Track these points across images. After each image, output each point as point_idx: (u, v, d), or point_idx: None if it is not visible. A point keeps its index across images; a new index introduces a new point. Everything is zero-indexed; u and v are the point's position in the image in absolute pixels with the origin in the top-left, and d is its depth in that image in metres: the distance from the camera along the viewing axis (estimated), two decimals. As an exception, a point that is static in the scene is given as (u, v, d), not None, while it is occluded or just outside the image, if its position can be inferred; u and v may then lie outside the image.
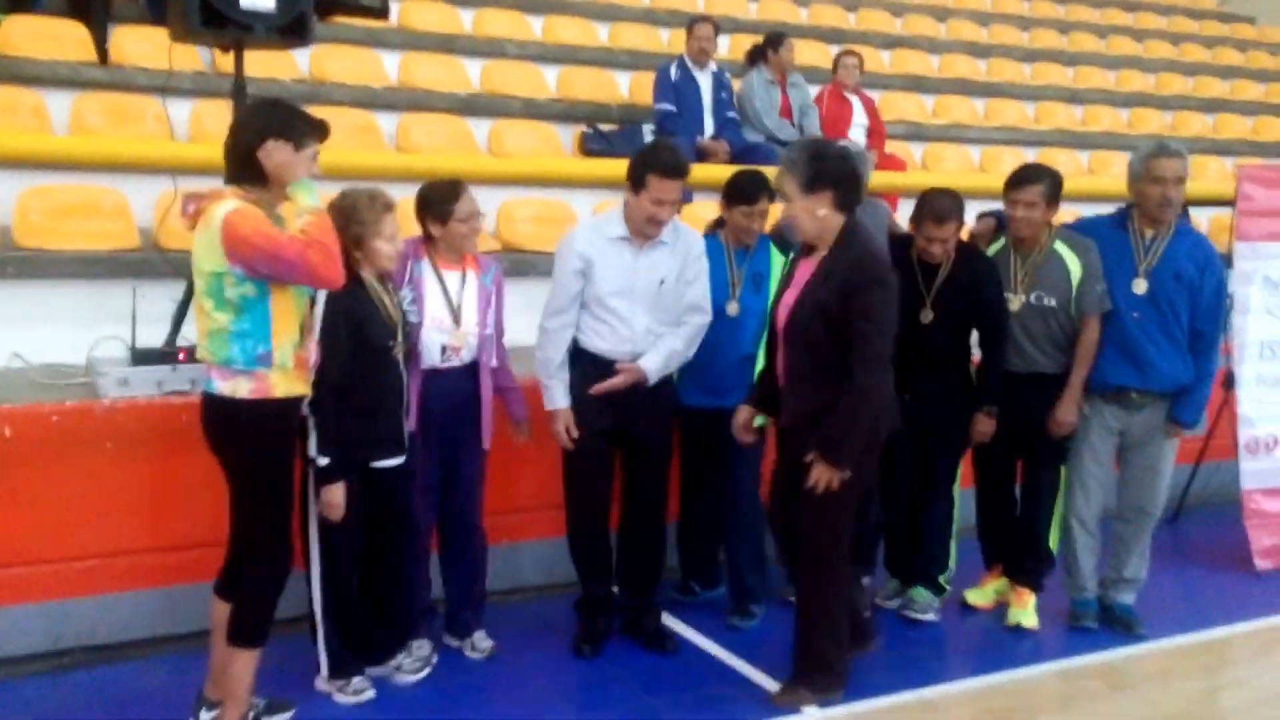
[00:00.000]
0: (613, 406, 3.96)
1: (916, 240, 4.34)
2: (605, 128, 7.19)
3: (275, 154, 3.03)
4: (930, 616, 4.55)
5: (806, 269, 3.66)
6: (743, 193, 4.25)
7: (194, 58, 6.41)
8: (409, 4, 8.12)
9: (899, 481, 4.56)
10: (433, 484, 3.81)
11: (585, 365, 3.96)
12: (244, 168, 3.07)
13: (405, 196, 3.85)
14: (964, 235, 4.51)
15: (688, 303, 4.04)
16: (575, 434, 3.94)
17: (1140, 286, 4.30)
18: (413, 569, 3.77)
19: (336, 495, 3.31)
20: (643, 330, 3.96)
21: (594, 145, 6.95)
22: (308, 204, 3.05)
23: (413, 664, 3.72)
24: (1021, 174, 4.39)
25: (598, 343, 3.96)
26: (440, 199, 3.73)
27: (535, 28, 8.60)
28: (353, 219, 3.40)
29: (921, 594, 4.59)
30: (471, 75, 7.62)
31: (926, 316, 4.32)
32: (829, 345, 3.52)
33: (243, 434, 3.08)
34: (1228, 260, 5.16)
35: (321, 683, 3.58)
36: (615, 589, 4.25)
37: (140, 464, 3.81)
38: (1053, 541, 4.62)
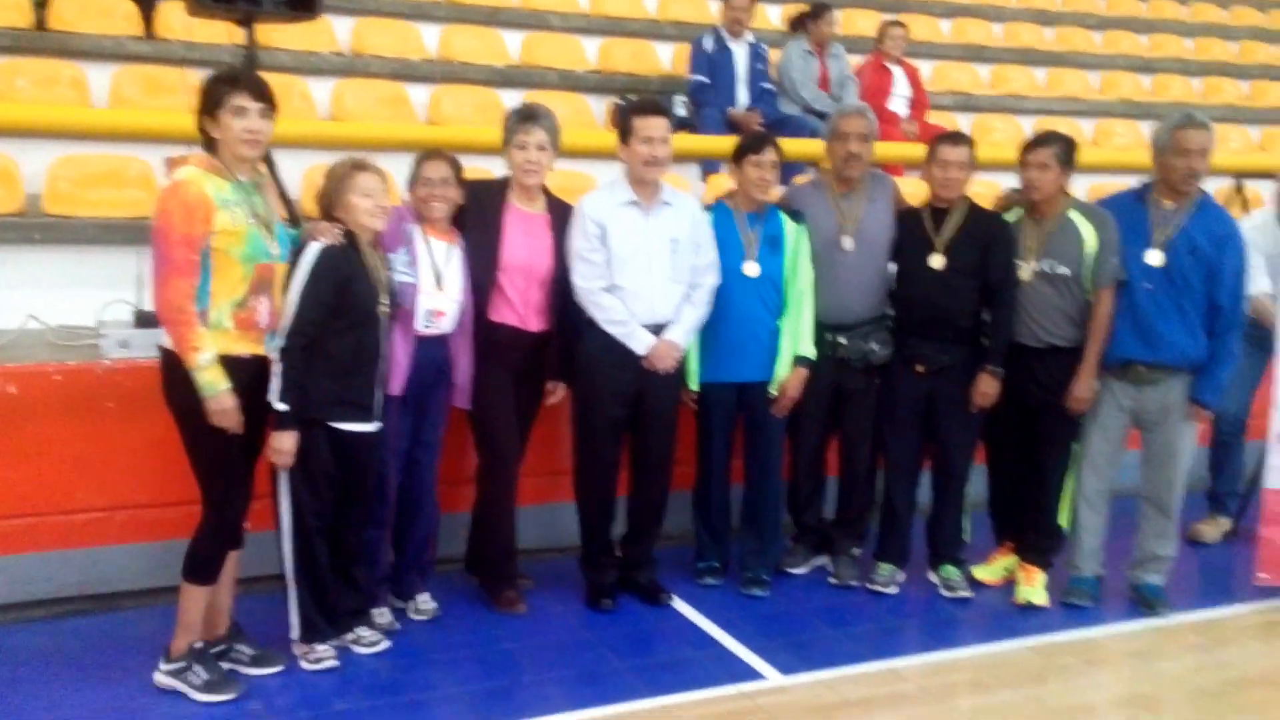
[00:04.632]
0: (636, 374, 4.06)
1: (930, 178, 4.33)
2: (634, 98, 7.15)
3: (208, 128, 3.25)
4: (893, 590, 4.50)
5: None
6: (749, 144, 4.30)
7: (236, 32, 6.58)
8: (455, -24, 8.18)
9: (914, 460, 4.53)
10: (403, 450, 3.88)
11: (602, 336, 4.03)
12: (202, 136, 3.29)
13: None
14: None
15: (700, 264, 4.13)
16: (678, 355, 4.10)
17: (1154, 258, 4.16)
18: (375, 535, 3.85)
19: (286, 442, 3.38)
20: (660, 292, 4.04)
21: (622, 117, 6.90)
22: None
23: (371, 635, 3.78)
24: (1036, 139, 4.35)
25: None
26: (415, 166, 3.82)
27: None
28: (329, 181, 3.55)
29: (952, 572, 4.52)
30: (511, 48, 7.66)
31: (937, 262, 4.25)
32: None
33: (174, 385, 3.22)
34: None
35: (293, 645, 3.65)
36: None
37: (140, 423, 3.94)
38: (1063, 519, 4.50)
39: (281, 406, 3.34)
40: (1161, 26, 10.99)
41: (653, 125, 4.01)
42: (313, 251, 3.41)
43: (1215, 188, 7.45)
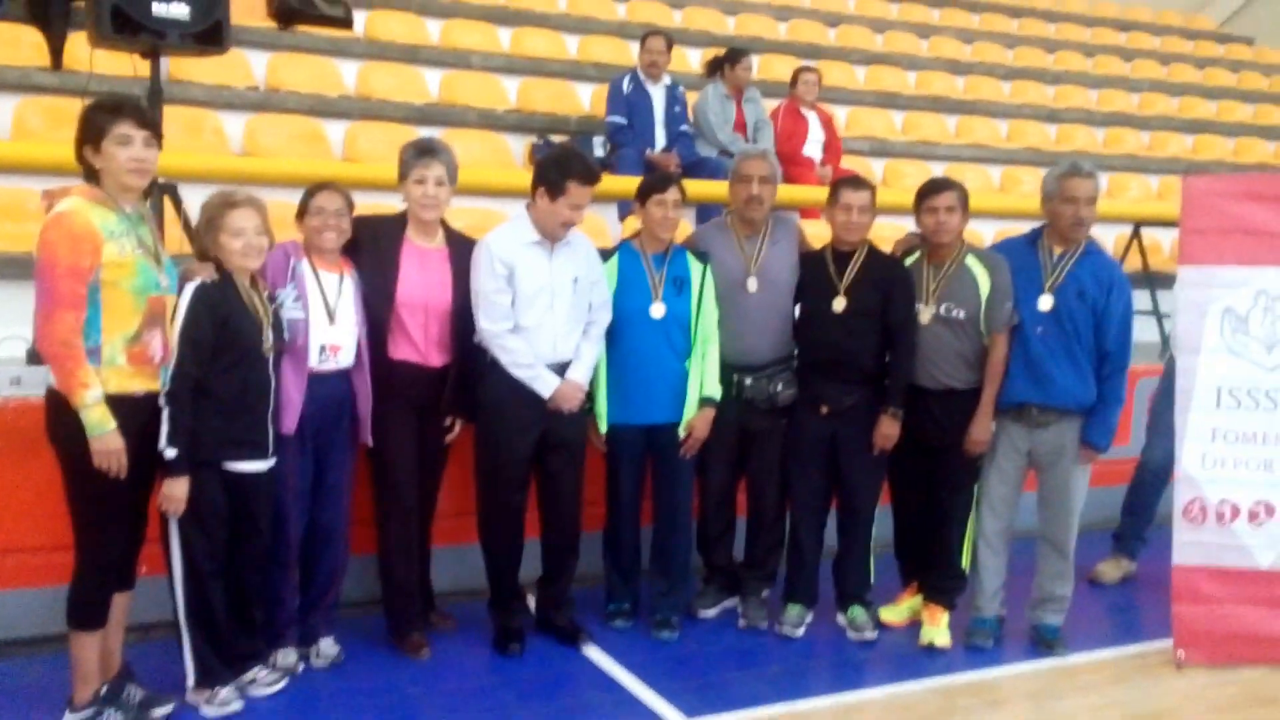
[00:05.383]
0: (540, 415, 4.06)
1: (832, 221, 4.41)
2: (556, 139, 7.21)
3: (91, 158, 3.20)
4: (800, 631, 4.52)
5: None
6: (653, 184, 4.36)
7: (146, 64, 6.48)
8: (375, 14, 8.19)
9: (820, 501, 4.58)
10: (305, 489, 3.82)
11: (507, 378, 4.03)
12: (83, 167, 3.24)
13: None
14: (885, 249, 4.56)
15: (596, 302, 4.18)
16: (580, 395, 4.12)
17: (1045, 303, 4.28)
18: (279, 576, 3.78)
19: (178, 489, 3.32)
20: (563, 331, 4.07)
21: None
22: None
23: (269, 676, 3.71)
24: (936, 183, 4.48)
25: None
26: (303, 199, 3.81)
27: (503, 39, 8.66)
28: (202, 218, 3.52)
29: (858, 614, 4.55)
30: (430, 86, 7.67)
31: (839, 304, 4.32)
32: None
33: (58, 424, 3.14)
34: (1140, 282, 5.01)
35: (190, 693, 3.56)
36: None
37: (31, 463, 3.81)
38: (966, 560, 4.58)
39: (171, 453, 3.28)
40: (1067, 78, 11.41)
41: (586, 195, 4.02)
42: (188, 292, 3.37)
43: (1115, 235, 7.76)
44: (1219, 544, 4.41)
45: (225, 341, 3.40)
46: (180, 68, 6.51)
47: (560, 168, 4.02)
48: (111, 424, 3.11)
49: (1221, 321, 4.44)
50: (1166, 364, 5.24)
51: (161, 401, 3.28)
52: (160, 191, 4.50)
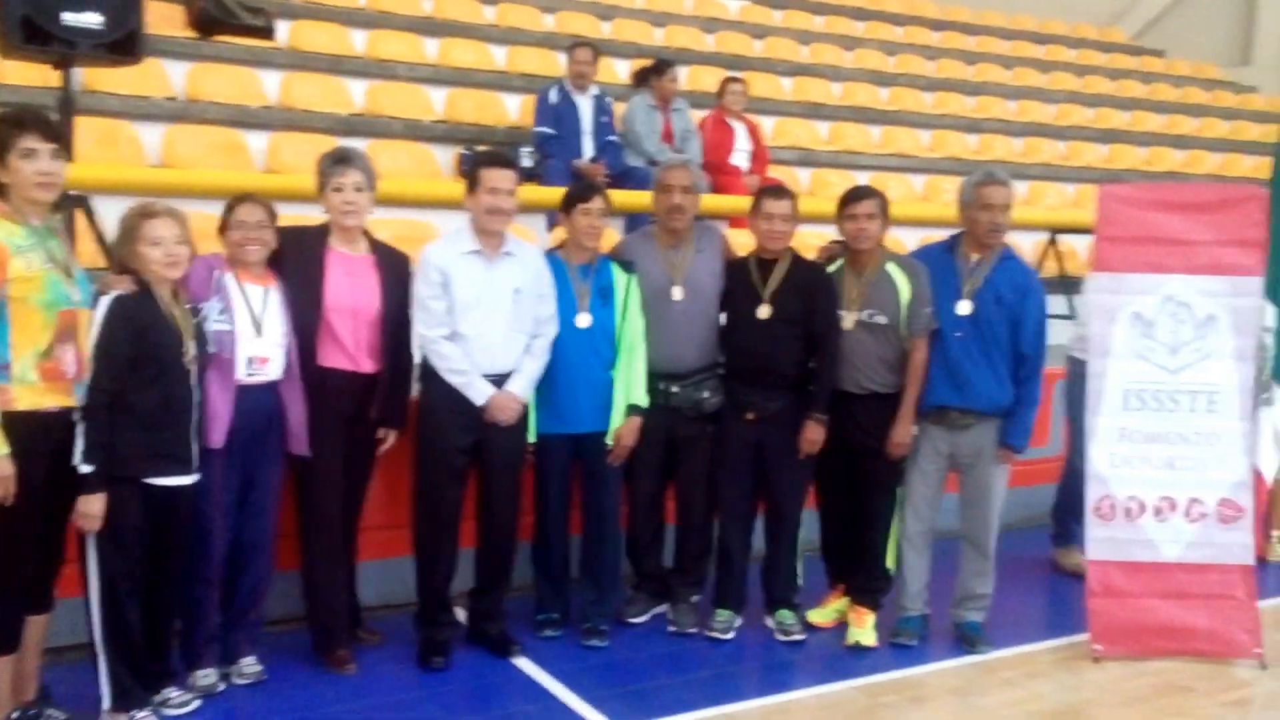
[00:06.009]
0: (476, 424, 4.06)
1: (755, 230, 4.46)
2: (484, 149, 7.18)
3: None
4: (730, 635, 4.55)
5: None
6: (577, 193, 4.39)
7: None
8: (299, 24, 8.10)
9: (747, 506, 4.62)
10: (231, 504, 3.76)
11: (443, 385, 4.03)
12: None
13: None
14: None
15: (542, 315, 4.18)
16: (517, 407, 4.10)
17: (964, 308, 4.38)
18: (201, 593, 3.72)
19: (93, 506, 3.25)
20: (501, 342, 4.06)
21: (469, 167, 6.93)
22: None
23: (181, 696, 3.64)
24: (857, 191, 4.56)
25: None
26: (225, 212, 3.77)
27: (430, 50, 8.62)
28: (119, 230, 3.46)
29: (787, 616, 4.60)
30: (355, 96, 7.60)
31: (764, 312, 4.37)
32: None
33: None
34: (1056, 286, 5.14)
35: (105, 716, 3.47)
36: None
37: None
38: (891, 561, 4.66)
39: (86, 469, 3.21)
40: (987, 90, 11.70)
41: (498, 177, 4.06)
42: (103, 305, 3.31)
43: (1032, 242, 7.95)
44: (1128, 539, 4.55)
45: (144, 354, 3.34)
46: (95, 77, 6.38)
47: (472, 162, 4.17)
48: (4, 448, 3.03)
49: (1131, 326, 4.58)
50: (1071, 367, 5.39)
51: (76, 417, 3.21)
52: (72, 203, 4.41)
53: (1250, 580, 4.52)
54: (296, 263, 3.89)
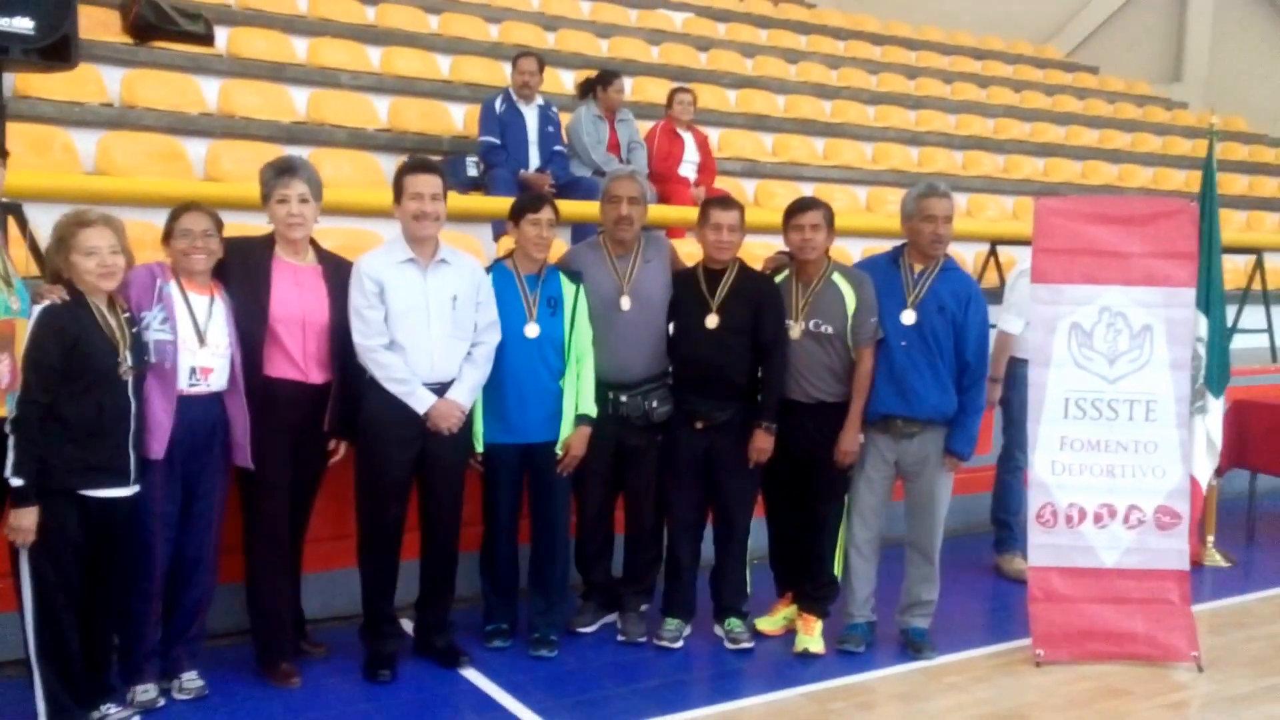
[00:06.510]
0: (418, 435, 4.03)
1: (703, 240, 4.49)
2: (430, 159, 7.13)
3: None
4: (679, 644, 4.56)
5: None
6: (526, 204, 4.39)
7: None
8: (238, 31, 7.99)
9: (697, 515, 4.63)
10: (173, 516, 3.69)
11: (385, 395, 3.99)
12: None
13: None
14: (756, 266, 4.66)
15: (482, 322, 4.16)
16: (460, 415, 4.06)
17: (909, 317, 4.43)
18: (141, 608, 3.65)
19: (26, 519, 3.19)
20: (441, 350, 4.04)
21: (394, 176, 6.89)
22: None
23: (120, 712, 3.57)
24: (802, 202, 4.61)
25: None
26: (169, 220, 3.70)
27: (374, 59, 8.54)
28: (53, 239, 3.39)
29: (736, 624, 4.60)
30: (298, 104, 7.51)
31: (712, 321, 4.40)
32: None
33: None
34: (996, 297, 5.22)
35: None
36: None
37: None
38: (838, 568, 4.69)
39: (17, 482, 3.14)
40: (927, 104, 11.87)
41: (420, 182, 4.04)
42: (33, 315, 3.25)
43: (973, 252, 8.08)
44: (1069, 545, 4.63)
45: (77, 365, 3.28)
46: (28, 83, 6.23)
47: (396, 172, 4.14)
48: None
49: (1069, 336, 4.66)
50: (1012, 368, 5.46)
51: (6, 429, 3.14)
52: (4, 211, 4.30)
53: (1185, 585, 4.63)
54: (242, 273, 3.84)
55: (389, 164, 7.15)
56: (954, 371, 4.46)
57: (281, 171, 3.90)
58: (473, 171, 7.05)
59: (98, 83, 6.69)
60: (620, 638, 4.61)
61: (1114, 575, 4.62)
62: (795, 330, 4.46)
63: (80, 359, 3.29)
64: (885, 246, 4.91)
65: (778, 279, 4.59)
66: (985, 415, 4.71)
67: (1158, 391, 4.65)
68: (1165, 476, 4.65)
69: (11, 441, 3.15)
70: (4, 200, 4.18)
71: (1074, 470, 4.65)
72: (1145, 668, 4.50)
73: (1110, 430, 4.66)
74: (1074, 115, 13.16)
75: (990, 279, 7.63)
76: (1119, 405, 4.66)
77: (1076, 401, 4.66)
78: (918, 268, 4.51)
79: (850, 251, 7.71)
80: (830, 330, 4.43)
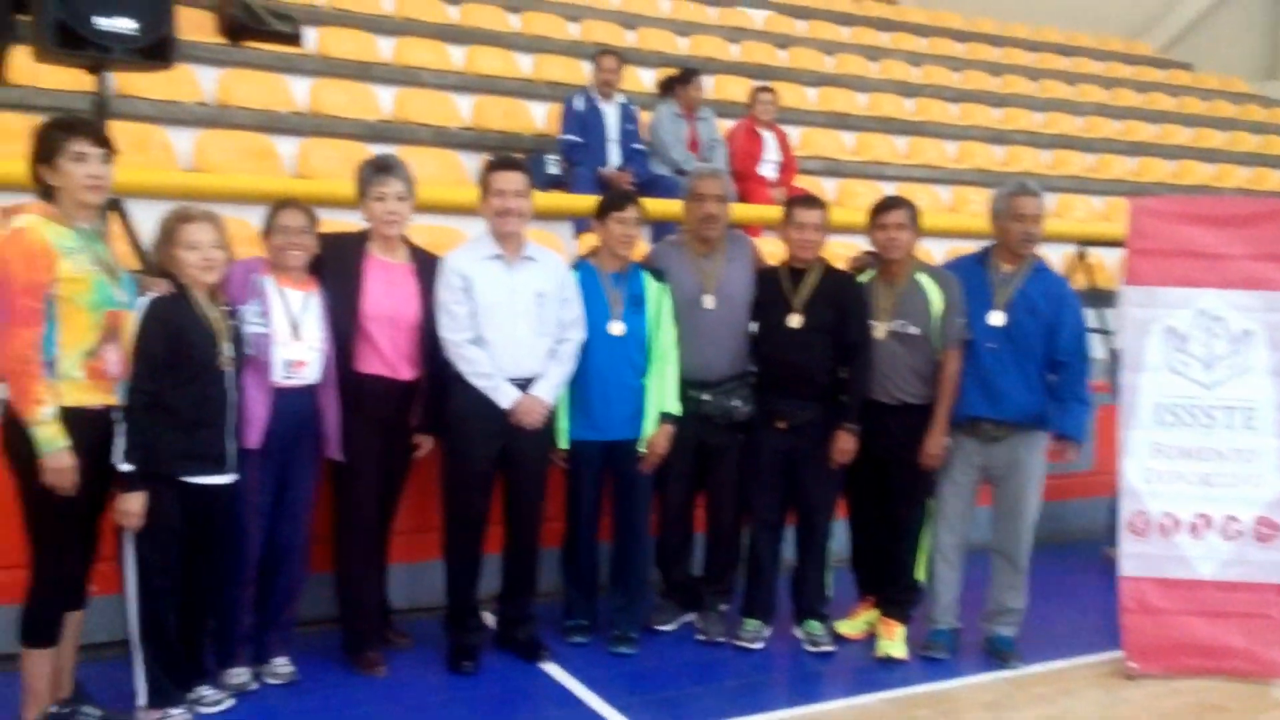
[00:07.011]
0: (502, 430, 4.06)
1: (787, 239, 4.46)
2: (515, 156, 7.19)
3: (46, 176, 3.20)
4: (758, 645, 4.53)
5: None
6: (612, 202, 4.40)
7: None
8: (326, 31, 8.15)
9: (778, 516, 4.60)
10: (267, 505, 3.77)
11: (470, 390, 4.03)
12: (38, 185, 3.25)
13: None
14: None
15: (567, 319, 4.18)
16: (543, 410, 4.09)
17: (997, 319, 4.35)
18: (235, 593, 3.73)
19: (134, 504, 3.29)
20: (526, 345, 4.07)
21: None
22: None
23: (214, 695, 3.65)
24: (888, 201, 4.56)
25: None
26: (270, 216, 3.79)
27: (457, 58, 8.65)
28: (159, 234, 3.51)
29: (815, 627, 4.57)
30: (383, 103, 7.64)
31: (795, 321, 4.37)
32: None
33: (11, 440, 3.12)
34: (1092, 299, 5.07)
35: (141, 713, 3.49)
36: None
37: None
38: (921, 573, 4.63)
39: (126, 467, 3.25)
40: (1013, 101, 11.64)
41: (504, 179, 4.08)
42: (140, 307, 3.36)
43: (1060, 254, 7.89)
44: (1162, 555, 4.48)
45: (180, 355, 3.38)
46: (128, 82, 6.42)
47: (483, 168, 4.16)
48: (63, 442, 3.09)
49: (1164, 340, 4.51)
50: None
51: (117, 416, 3.25)
52: (106, 206, 4.43)
53: (1286, 599, 4.46)
54: (336, 269, 3.91)
55: (472, 162, 7.25)
56: (1043, 374, 4.36)
57: (380, 169, 3.97)
58: (554, 169, 7.10)
59: (193, 82, 6.88)
60: (699, 637, 4.60)
61: (1211, 587, 4.47)
62: (880, 330, 4.40)
63: (183, 350, 3.39)
64: (969, 247, 4.83)
65: (862, 278, 4.54)
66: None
67: (1257, 398, 4.49)
68: (1265, 486, 4.47)
69: (121, 428, 3.26)
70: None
71: (1167, 478, 4.49)
72: (1243, 684, 4.35)
73: (1206, 438, 4.50)
74: (1168, 113, 12.80)
75: (1079, 281, 7.44)
76: (1216, 412, 4.50)
77: (1170, 408, 4.51)
78: (1006, 268, 4.42)
79: (933, 252, 7.58)
80: (916, 331, 4.36)
